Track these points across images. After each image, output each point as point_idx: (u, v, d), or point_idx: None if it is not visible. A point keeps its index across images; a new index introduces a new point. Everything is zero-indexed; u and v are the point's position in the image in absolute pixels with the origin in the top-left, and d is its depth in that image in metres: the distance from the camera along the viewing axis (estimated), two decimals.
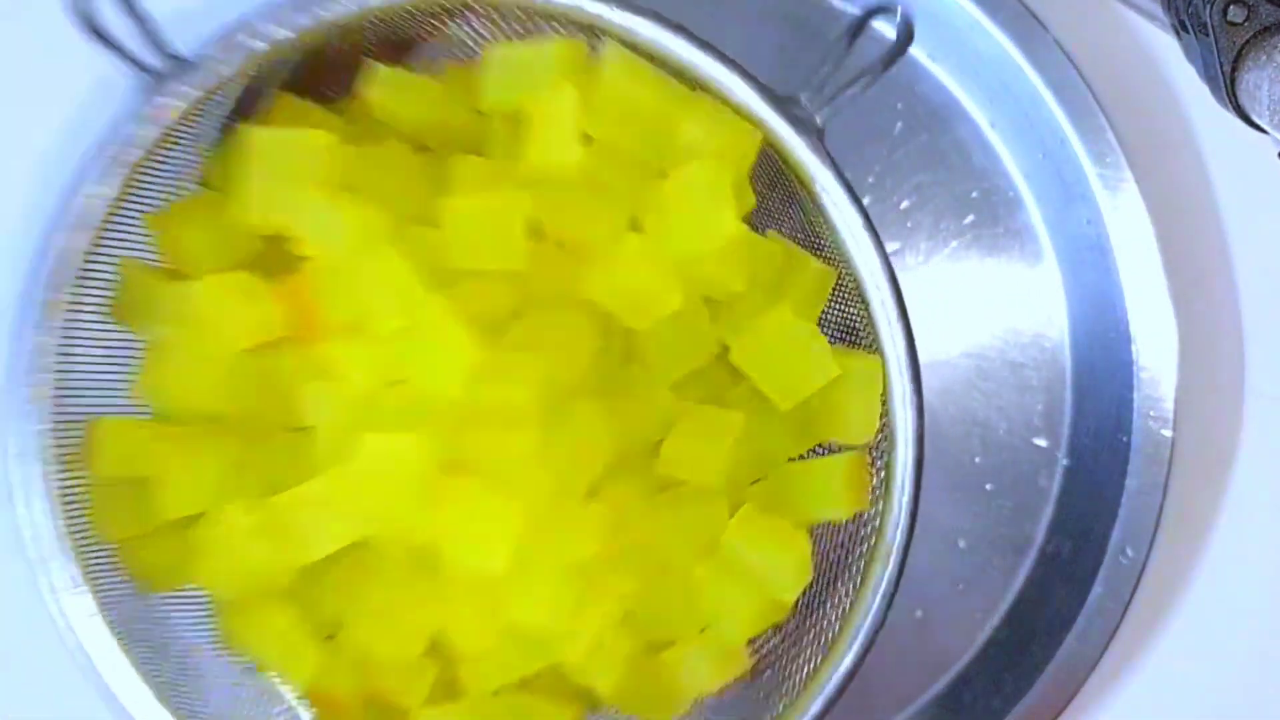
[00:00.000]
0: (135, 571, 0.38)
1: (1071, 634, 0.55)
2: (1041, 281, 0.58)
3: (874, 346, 0.35)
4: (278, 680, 0.39)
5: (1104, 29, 0.58)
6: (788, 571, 0.36)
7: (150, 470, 0.36)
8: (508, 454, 0.32)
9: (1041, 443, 0.58)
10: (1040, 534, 0.58)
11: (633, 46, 0.34)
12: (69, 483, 0.37)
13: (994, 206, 0.58)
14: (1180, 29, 0.40)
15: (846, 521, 0.38)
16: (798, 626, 0.40)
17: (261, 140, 0.34)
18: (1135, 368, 0.55)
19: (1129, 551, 0.54)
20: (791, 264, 0.37)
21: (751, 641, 0.39)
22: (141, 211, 0.37)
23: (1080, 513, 0.57)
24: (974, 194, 0.58)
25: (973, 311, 0.58)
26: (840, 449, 0.39)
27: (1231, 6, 0.37)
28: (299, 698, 0.39)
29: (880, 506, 0.39)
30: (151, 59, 0.35)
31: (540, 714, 0.35)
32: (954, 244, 0.58)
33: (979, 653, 0.58)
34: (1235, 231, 0.58)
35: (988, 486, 0.58)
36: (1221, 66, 0.38)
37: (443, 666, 0.36)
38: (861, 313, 0.36)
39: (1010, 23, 0.55)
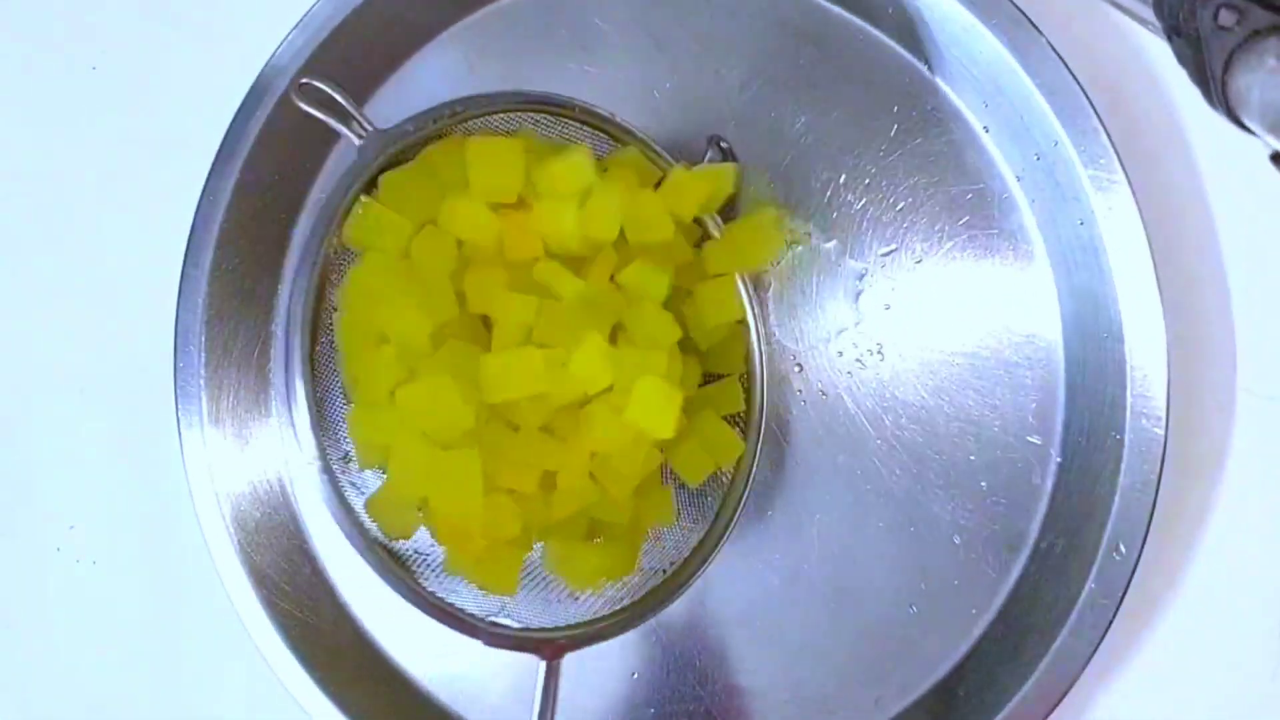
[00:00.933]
0: (363, 439, 0.55)
1: (1065, 629, 0.55)
2: (1035, 282, 0.58)
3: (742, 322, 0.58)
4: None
5: (1097, 33, 0.58)
6: (730, 444, 0.57)
7: (384, 322, 0.54)
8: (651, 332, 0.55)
9: (1035, 440, 0.58)
10: (1034, 531, 0.58)
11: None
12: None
13: (988, 208, 0.59)
14: (1172, 33, 0.40)
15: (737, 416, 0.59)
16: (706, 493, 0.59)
17: (480, 145, 0.55)
18: (1127, 367, 0.55)
19: (1121, 548, 0.55)
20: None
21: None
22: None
23: (1073, 510, 0.57)
24: (969, 195, 0.59)
25: (967, 311, 0.59)
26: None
27: (1222, 10, 0.37)
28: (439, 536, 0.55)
29: (749, 405, 0.58)
30: (362, 131, 0.55)
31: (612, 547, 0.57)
32: (949, 245, 0.59)
33: (973, 648, 0.58)
34: (1226, 232, 0.58)
35: (982, 484, 0.58)
36: (1212, 70, 0.38)
37: (529, 513, 0.55)
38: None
39: (1005, 27, 0.55)
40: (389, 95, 0.62)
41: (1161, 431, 0.54)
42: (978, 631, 0.58)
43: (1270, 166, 0.38)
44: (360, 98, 0.61)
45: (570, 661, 0.55)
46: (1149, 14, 0.41)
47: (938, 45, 0.58)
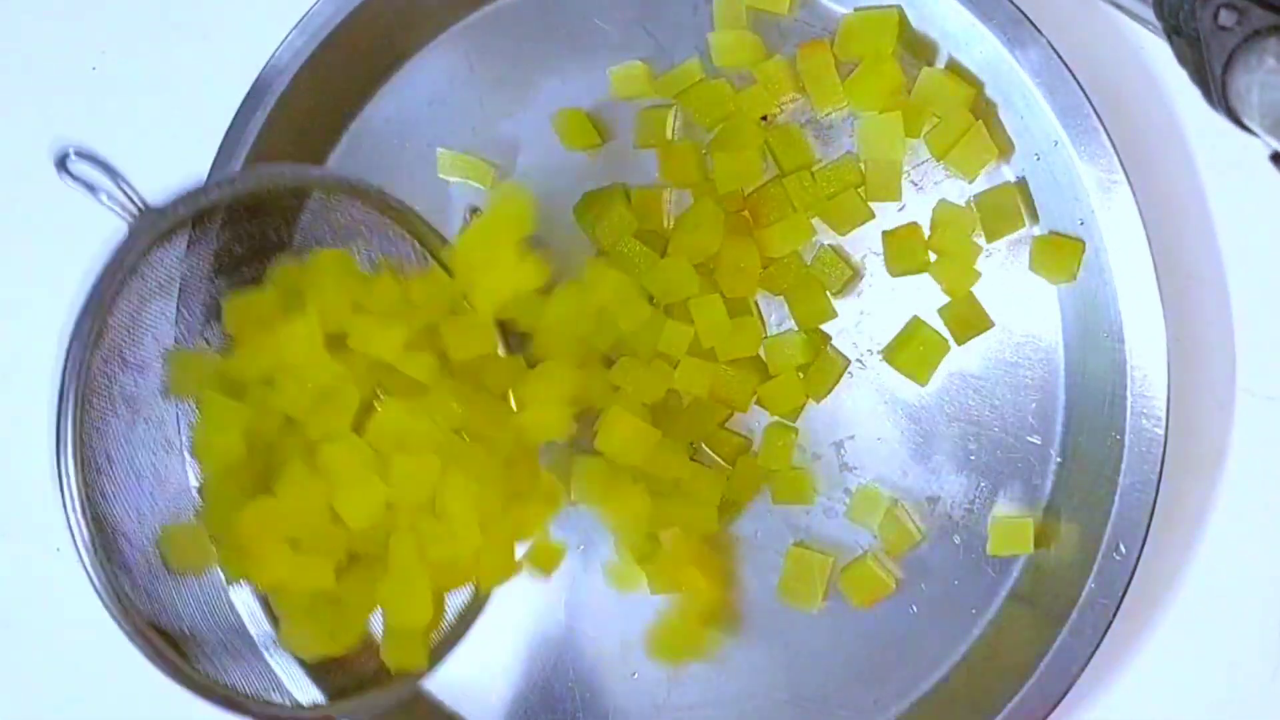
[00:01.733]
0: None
1: (1065, 629, 0.55)
2: (1035, 282, 0.58)
3: None
4: None
5: (1097, 32, 0.58)
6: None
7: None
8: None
9: (1035, 440, 0.58)
10: (1034, 530, 0.58)
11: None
12: None
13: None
14: (1172, 33, 0.40)
15: None
16: None
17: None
18: (1127, 367, 0.55)
19: (1122, 548, 0.55)
20: None
21: None
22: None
23: (1073, 510, 0.57)
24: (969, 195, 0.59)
25: None
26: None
27: (1222, 10, 0.37)
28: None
29: None
30: (133, 209, 0.53)
31: None
32: None
33: (973, 648, 0.58)
34: (1226, 233, 0.58)
35: (982, 484, 0.58)
36: (1212, 70, 0.38)
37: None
38: None
39: (1004, 26, 0.55)
40: (389, 95, 0.62)
41: (1161, 431, 0.54)
42: (977, 631, 0.58)
43: (1270, 166, 0.38)
44: (360, 99, 0.62)
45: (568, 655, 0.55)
46: (1149, 14, 0.41)
47: (937, 45, 0.58)
